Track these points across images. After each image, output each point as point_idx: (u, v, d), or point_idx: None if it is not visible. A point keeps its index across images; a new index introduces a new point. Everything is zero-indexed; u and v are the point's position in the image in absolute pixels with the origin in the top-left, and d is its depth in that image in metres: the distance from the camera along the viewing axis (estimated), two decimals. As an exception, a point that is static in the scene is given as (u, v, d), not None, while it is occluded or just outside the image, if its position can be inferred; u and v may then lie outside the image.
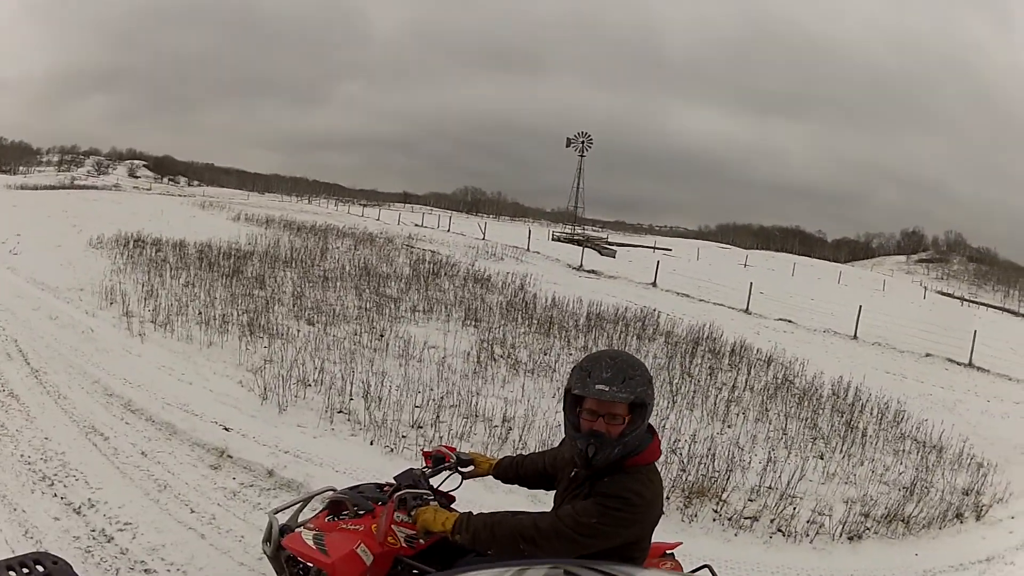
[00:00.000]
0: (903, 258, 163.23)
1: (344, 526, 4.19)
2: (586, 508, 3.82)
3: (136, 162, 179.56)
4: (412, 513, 4.14)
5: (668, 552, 4.74)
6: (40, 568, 2.69)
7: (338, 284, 21.30)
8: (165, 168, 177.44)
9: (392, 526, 4.12)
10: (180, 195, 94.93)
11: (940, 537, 9.68)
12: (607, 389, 3.81)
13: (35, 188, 73.59)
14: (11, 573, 2.59)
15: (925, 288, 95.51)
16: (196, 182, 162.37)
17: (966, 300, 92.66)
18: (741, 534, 8.58)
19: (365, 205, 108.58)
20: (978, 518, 10.36)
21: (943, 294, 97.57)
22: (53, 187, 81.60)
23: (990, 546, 9.67)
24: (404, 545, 4.14)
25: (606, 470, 3.93)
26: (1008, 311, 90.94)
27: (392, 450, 9.54)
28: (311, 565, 4.09)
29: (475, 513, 4.05)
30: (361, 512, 4.26)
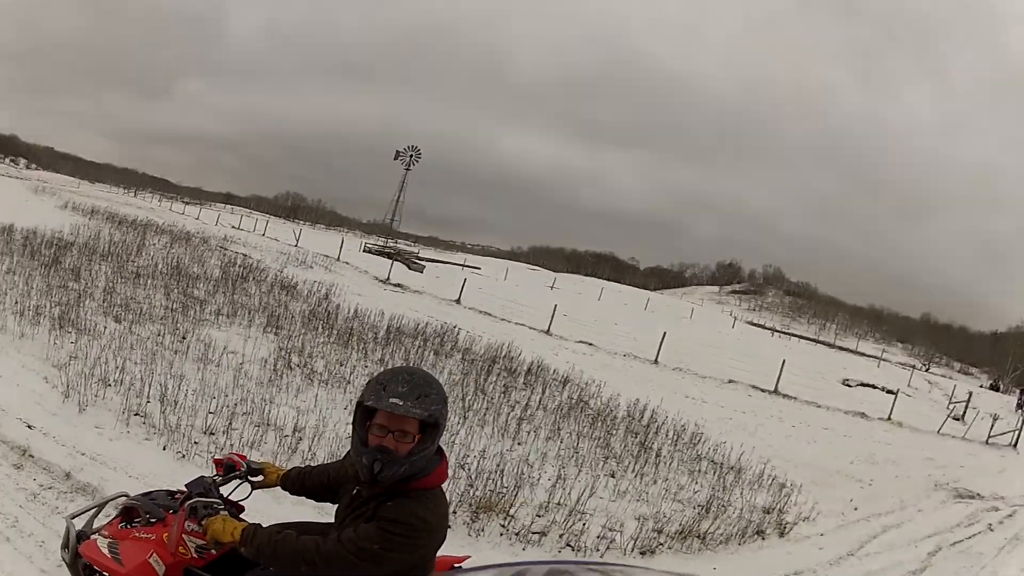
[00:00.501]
0: (715, 288, 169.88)
1: (137, 534, 4.08)
2: (368, 533, 3.70)
3: None
4: (203, 523, 3.96)
5: (456, 566, 4.54)
6: None
7: (149, 282, 20.64)
8: (8, 148, 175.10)
9: (183, 535, 4.00)
10: (18, 177, 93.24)
11: (740, 552, 9.87)
12: (401, 403, 3.73)
13: None
14: None
15: (735, 318, 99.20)
16: (34, 165, 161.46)
17: (777, 331, 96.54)
18: (529, 548, 8.44)
19: (188, 203, 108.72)
20: (782, 535, 10.64)
21: (753, 324, 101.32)
22: None
23: (797, 561, 9.97)
24: (195, 556, 4.01)
25: (390, 492, 3.82)
26: (823, 343, 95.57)
27: (184, 456, 9.07)
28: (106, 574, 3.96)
29: (263, 527, 3.95)
30: (153, 520, 4.15)
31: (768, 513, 11.17)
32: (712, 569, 9.11)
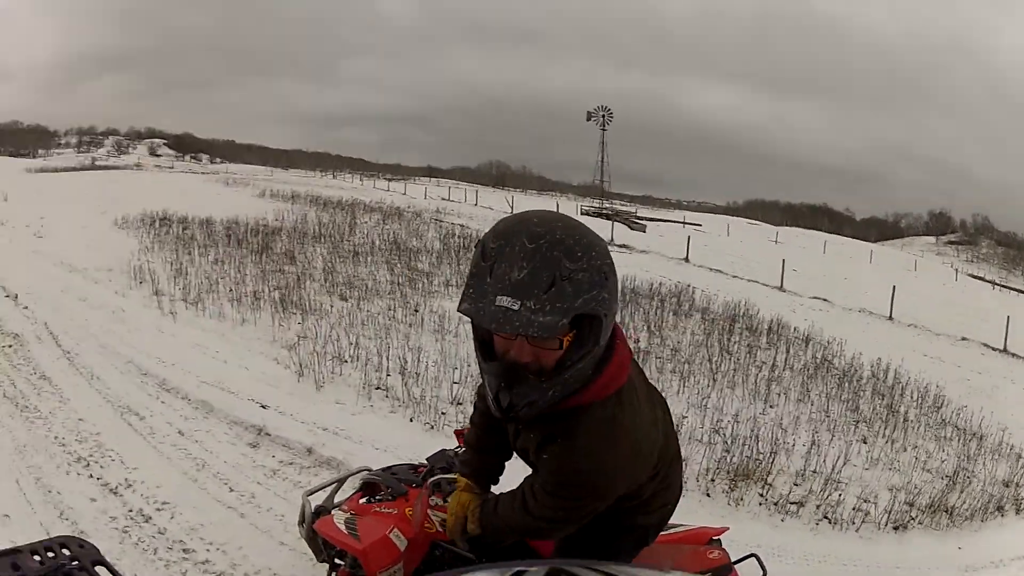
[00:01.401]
0: (932, 239, 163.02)
1: (378, 509, 3.95)
2: (541, 500, 2.95)
3: (156, 140, 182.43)
4: (447, 499, 3.77)
5: (715, 538, 4.28)
6: (66, 552, 2.57)
7: (369, 259, 21.27)
8: (186, 146, 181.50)
9: (427, 511, 3.80)
10: (203, 172, 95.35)
11: (982, 531, 9.39)
12: (516, 311, 2.47)
13: (55, 171, 73.44)
14: (35, 557, 2.49)
15: (956, 270, 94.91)
16: (218, 159, 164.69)
17: (997, 284, 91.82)
18: (788, 519, 8.36)
19: (390, 179, 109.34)
20: (1018, 511, 10.06)
21: (974, 277, 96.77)
22: (74, 169, 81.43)
23: None
24: (440, 529, 3.78)
25: (545, 420, 2.85)
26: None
27: (432, 427, 9.34)
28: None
29: (494, 500, 3.40)
30: (394, 495, 4.02)
31: (1007, 487, 10.65)
32: (957, 549, 8.72)
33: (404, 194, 67.41)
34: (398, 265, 20.50)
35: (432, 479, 3.96)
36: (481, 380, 3.08)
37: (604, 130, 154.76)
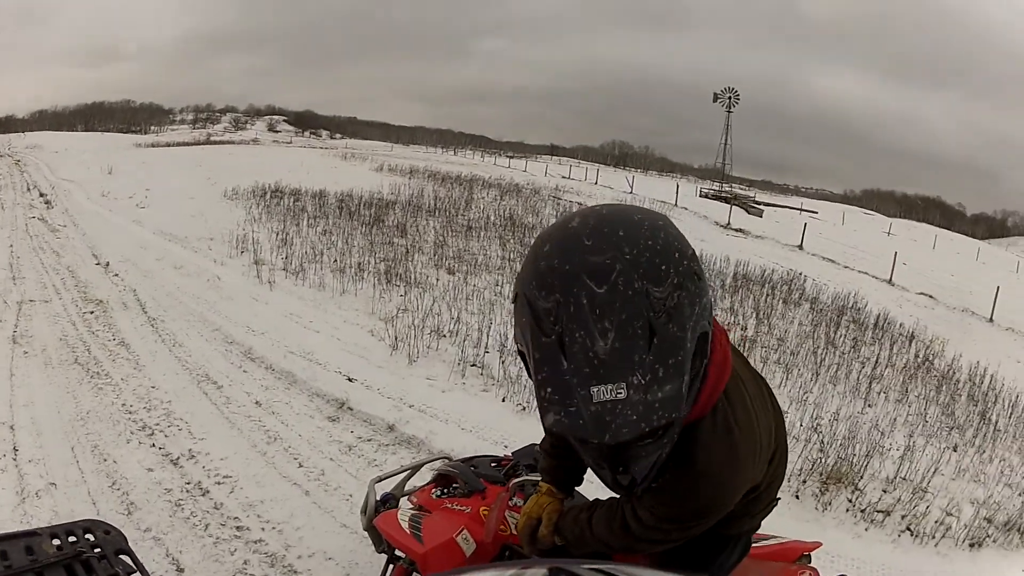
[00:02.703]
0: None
1: (449, 505, 3.63)
2: (651, 523, 2.53)
3: (276, 117, 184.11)
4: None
5: (805, 554, 3.79)
6: (89, 537, 2.55)
7: (482, 234, 21.22)
8: (306, 122, 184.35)
9: (504, 515, 3.43)
10: (322, 147, 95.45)
11: None
12: (622, 399, 1.95)
13: (167, 145, 74.26)
14: (55, 542, 2.47)
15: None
16: (338, 135, 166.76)
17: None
18: (871, 529, 8.03)
19: (512, 157, 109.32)
20: None
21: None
22: (187, 143, 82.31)
23: None
24: (514, 532, 3.35)
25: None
26: None
27: (524, 409, 9.01)
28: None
29: (575, 509, 2.98)
30: (469, 491, 3.68)
31: None
32: (1022, 571, 8.28)
33: (524, 171, 66.75)
34: (511, 241, 20.47)
35: (516, 480, 3.63)
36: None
37: (730, 112, 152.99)
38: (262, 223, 20.17)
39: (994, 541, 8.56)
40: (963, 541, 8.30)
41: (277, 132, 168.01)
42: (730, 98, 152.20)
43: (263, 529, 5.98)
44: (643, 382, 1.94)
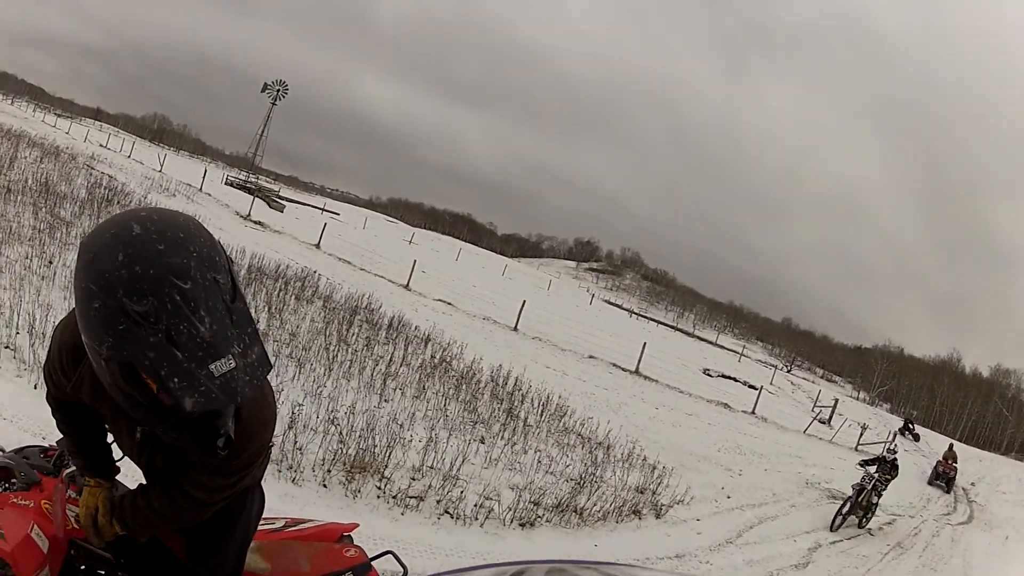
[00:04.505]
0: (572, 263, 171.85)
1: (15, 500, 3.47)
2: (212, 482, 2.94)
3: None
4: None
5: (345, 535, 4.09)
6: None
7: (19, 198, 19.51)
8: None
9: (65, 508, 3.39)
10: None
11: (618, 530, 10.20)
12: (234, 367, 2.33)
13: None
14: None
15: (592, 295, 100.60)
16: None
17: (635, 313, 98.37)
18: (408, 513, 8.45)
19: (59, 116, 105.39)
20: (658, 516, 11.08)
21: (611, 303, 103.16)
22: None
23: (676, 544, 10.47)
24: (76, 526, 3.36)
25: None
26: (681, 331, 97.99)
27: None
28: None
29: (129, 495, 3.19)
30: (28, 484, 3.55)
31: (641, 493, 11.57)
32: (593, 546, 9.32)
33: (67, 133, 65.05)
34: (43, 209, 19.03)
35: (68, 471, 3.51)
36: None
37: (274, 104, 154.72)
38: None
39: (547, 521, 9.47)
40: (512, 522, 9.03)
41: None
42: (279, 91, 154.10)
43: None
44: (240, 350, 2.34)
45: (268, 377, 2.69)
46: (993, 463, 45.88)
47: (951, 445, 33.38)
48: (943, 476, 28.50)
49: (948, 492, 27.23)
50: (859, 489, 16.97)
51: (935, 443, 43.45)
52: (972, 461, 32.89)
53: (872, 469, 17.94)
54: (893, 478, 18.25)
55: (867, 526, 16.82)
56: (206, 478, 2.89)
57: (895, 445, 20.70)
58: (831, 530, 14.81)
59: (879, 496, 17.64)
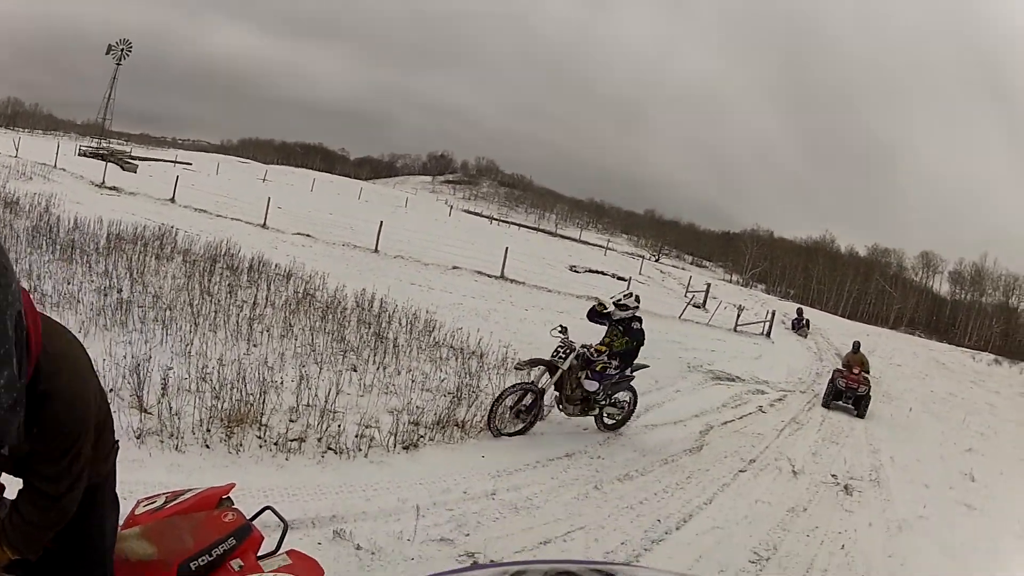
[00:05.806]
0: (428, 178, 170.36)
1: None
2: (60, 472, 2.86)
3: None
4: None
5: (224, 498, 4.07)
6: None
7: None
8: None
9: None
10: None
11: (504, 438, 10.47)
12: None
13: None
14: None
15: (451, 206, 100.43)
16: None
17: (495, 219, 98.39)
18: (292, 458, 8.41)
19: None
20: (543, 418, 11.33)
21: (470, 212, 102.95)
22: None
23: (571, 443, 10.97)
24: None
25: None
26: (544, 231, 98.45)
27: None
28: None
29: (5, 524, 3.04)
30: None
31: None
32: (481, 457, 9.52)
33: None
34: None
35: None
36: None
37: (119, 64, 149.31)
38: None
39: (430, 440, 9.61)
40: (396, 447, 9.11)
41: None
42: (123, 50, 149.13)
43: None
44: None
45: (87, 349, 2.89)
46: (882, 336, 47.75)
47: (856, 346, 23.78)
48: (848, 393, 19.82)
49: (861, 416, 19.18)
50: (549, 366, 11.58)
51: (828, 330, 44.12)
52: (860, 335, 33.24)
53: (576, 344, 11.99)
54: (628, 347, 12.15)
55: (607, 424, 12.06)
56: (45, 467, 2.81)
57: (627, 292, 13.07)
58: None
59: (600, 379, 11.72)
